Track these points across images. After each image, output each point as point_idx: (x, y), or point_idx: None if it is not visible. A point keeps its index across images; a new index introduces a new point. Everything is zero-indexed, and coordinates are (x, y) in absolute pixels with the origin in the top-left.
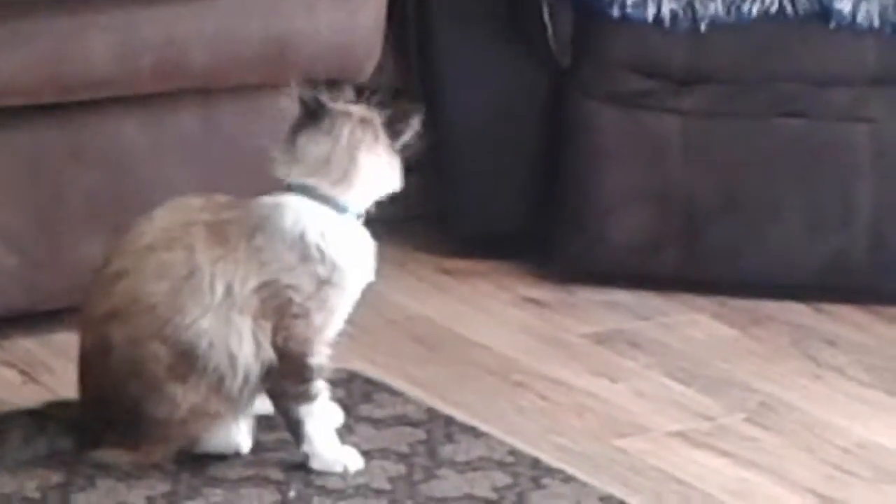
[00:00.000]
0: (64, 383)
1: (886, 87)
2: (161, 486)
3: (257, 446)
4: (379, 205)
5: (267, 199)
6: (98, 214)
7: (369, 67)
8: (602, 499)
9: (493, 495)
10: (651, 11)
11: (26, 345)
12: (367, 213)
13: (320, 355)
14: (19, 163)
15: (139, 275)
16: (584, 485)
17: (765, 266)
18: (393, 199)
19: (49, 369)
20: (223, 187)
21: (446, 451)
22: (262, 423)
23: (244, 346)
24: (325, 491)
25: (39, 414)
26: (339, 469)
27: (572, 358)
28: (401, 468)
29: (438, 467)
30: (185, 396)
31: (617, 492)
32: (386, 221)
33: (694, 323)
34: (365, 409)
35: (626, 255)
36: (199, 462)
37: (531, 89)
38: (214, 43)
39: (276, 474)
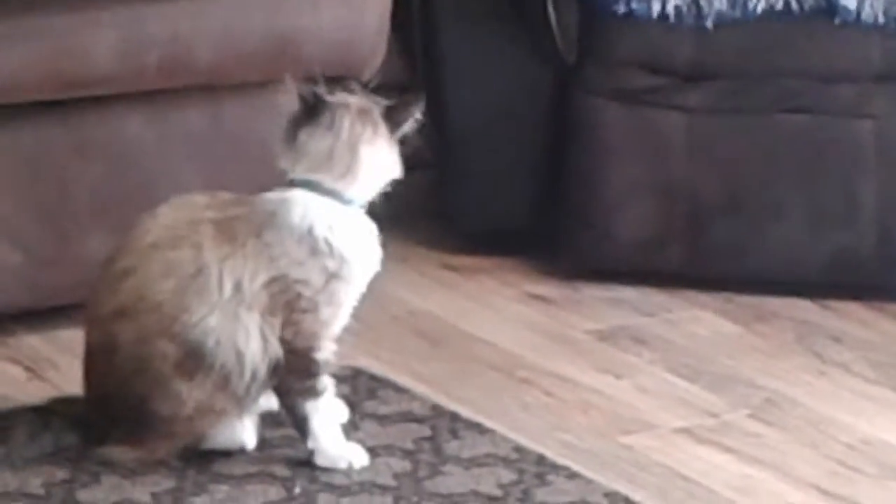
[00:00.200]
0: (69, 380)
1: (891, 83)
2: (166, 483)
3: (262, 443)
4: (383, 201)
5: (272, 195)
6: (103, 211)
7: (374, 65)
8: (607, 495)
9: (497, 492)
10: (656, 8)
11: (31, 341)
12: (372, 209)
13: (326, 350)
14: (24, 159)
15: (145, 273)
16: (590, 481)
17: (769, 262)
18: (397, 195)
19: (54, 366)
20: (228, 183)
21: (451, 447)
22: (268, 419)
23: (251, 343)
24: (330, 487)
25: (44, 410)
26: (344, 465)
27: (577, 354)
28: (406, 464)
29: (443, 464)
30: (191, 394)
31: (622, 488)
32: (390, 218)
33: (698, 319)
34: (370, 406)
35: (631, 252)
36: (204, 458)
37: (536, 86)
38: (219, 40)
39: (282, 471)
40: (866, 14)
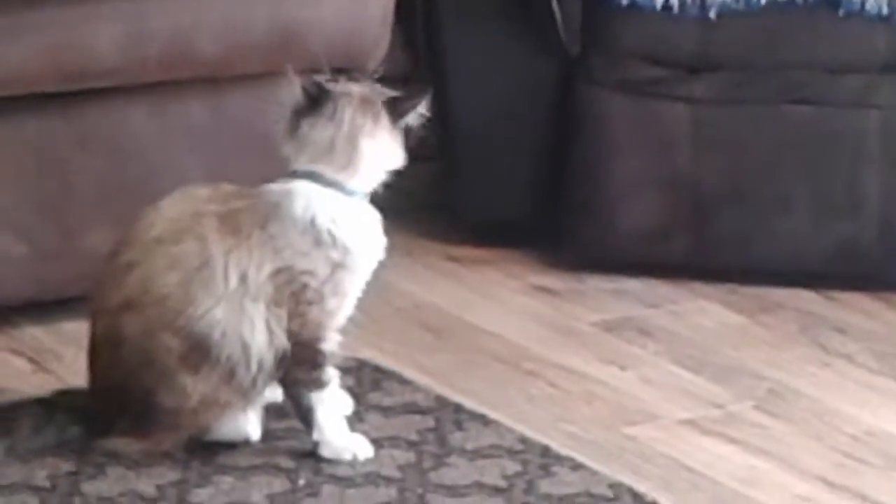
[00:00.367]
0: (73, 372)
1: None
2: (171, 475)
3: (267, 434)
4: (388, 193)
5: (275, 187)
6: (105, 203)
7: (377, 57)
8: (611, 486)
9: (502, 483)
10: None
11: (35, 333)
12: (376, 201)
13: (331, 341)
14: (27, 152)
15: (150, 266)
16: (594, 472)
17: (774, 253)
18: (401, 187)
19: (58, 358)
20: (231, 175)
21: (456, 438)
22: (272, 411)
23: (257, 335)
24: (334, 479)
25: (49, 402)
26: (348, 457)
27: (582, 346)
28: (410, 456)
29: (448, 455)
30: (196, 386)
31: (626, 479)
32: (395, 210)
33: (703, 311)
34: (374, 398)
35: (636, 243)
36: (209, 450)
37: (540, 78)
38: (222, 32)
39: (286, 462)
40: (870, 5)
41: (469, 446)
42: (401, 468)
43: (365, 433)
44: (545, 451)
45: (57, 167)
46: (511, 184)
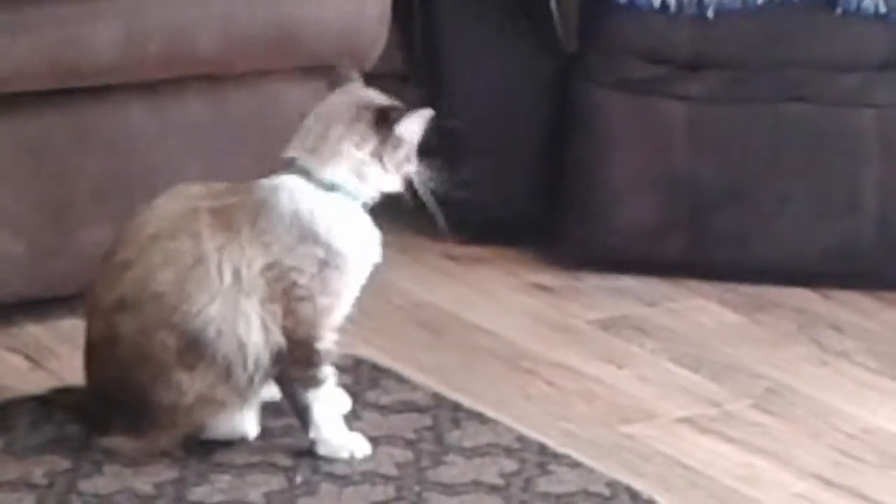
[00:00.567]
0: (70, 369)
1: (893, 72)
2: (168, 473)
3: (264, 432)
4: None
5: (265, 182)
6: (104, 201)
7: (375, 54)
8: (609, 484)
9: (500, 481)
10: None
11: (33, 331)
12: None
13: (327, 340)
14: (26, 150)
15: (146, 264)
16: (591, 470)
17: (771, 252)
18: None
19: (56, 355)
20: (230, 173)
21: (453, 437)
22: (269, 409)
23: (252, 333)
24: (332, 477)
25: (46, 400)
26: (345, 455)
27: (579, 344)
28: (408, 454)
29: (445, 453)
30: (193, 384)
31: (624, 477)
32: (392, 208)
33: (701, 309)
34: (372, 396)
35: (633, 241)
36: (206, 448)
37: (537, 76)
38: (221, 29)
39: (284, 460)
40: (867, 3)
41: (466, 444)
42: (398, 466)
43: (362, 431)
44: (542, 449)
45: (55, 165)
46: (508, 182)
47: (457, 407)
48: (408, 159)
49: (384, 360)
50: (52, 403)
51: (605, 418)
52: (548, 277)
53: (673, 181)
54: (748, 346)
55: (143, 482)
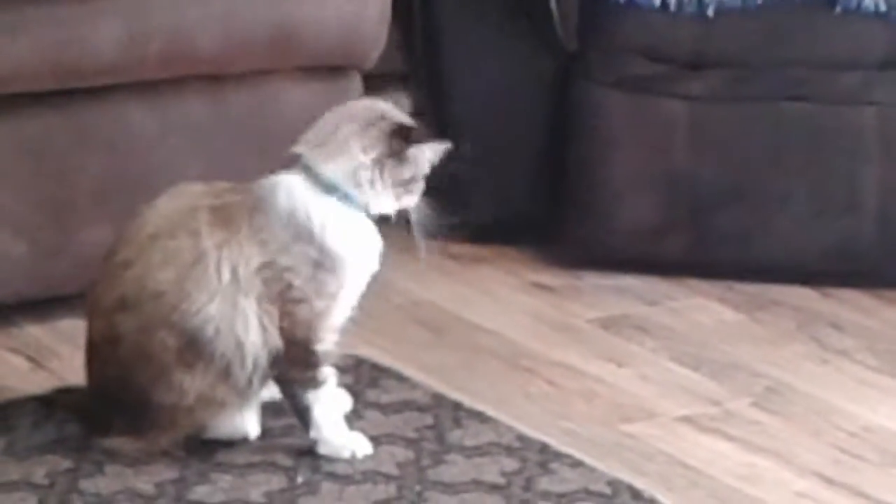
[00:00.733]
0: (71, 370)
1: (894, 71)
2: (169, 472)
3: (265, 432)
4: None
5: (266, 180)
6: (105, 201)
7: (375, 55)
8: (609, 483)
9: (500, 480)
10: None
11: (34, 331)
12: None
13: (326, 342)
14: (27, 150)
15: (146, 263)
16: (592, 469)
17: (771, 250)
18: None
19: (57, 356)
20: (230, 173)
21: (454, 436)
22: (270, 408)
23: (251, 333)
24: (333, 476)
25: (47, 400)
26: (346, 454)
27: (580, 343)
28: (409, 453)
29: (446, 452)
30: (193, 384)
31: (624, 476)
32: None
33: (701, 308)
34: (372, 395)
35: (634, 240)
36: (207, 448)
37: (537, 75)
38: (222, 29)
39: (285, 460)
40: (867, 2)
41: (467, 443)
42: (399, 465)
43: (363, 431)
44: (543, 448)
45: (55, 165)
46: (509, 181)
47: (457, 406)
48: (409, 186)
49: (385, 360)
50: (53, 404)
51: (605, 417)
52: (548, 276)
53: (673, 180)
54: (748, 344)
55: (145, 482)
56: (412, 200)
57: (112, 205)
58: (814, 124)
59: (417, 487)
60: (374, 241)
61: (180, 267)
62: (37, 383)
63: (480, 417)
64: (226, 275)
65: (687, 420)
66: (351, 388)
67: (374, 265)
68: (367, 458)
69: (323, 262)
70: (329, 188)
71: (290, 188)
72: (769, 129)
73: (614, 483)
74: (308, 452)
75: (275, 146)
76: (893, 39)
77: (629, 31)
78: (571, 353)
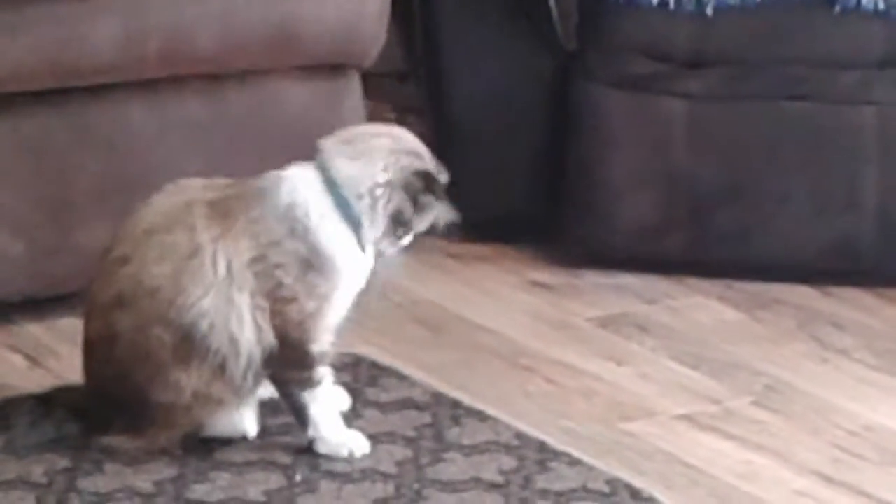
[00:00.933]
0: (70, 368)
1: (893, 69)
2: (168, 471)
3: (264, 430)
4: None
5: (272, 172)
6: (103, 200)
7: (374, 53)
8: (608, 482)
9: (499, 478)
10: None
11: (32, 330)
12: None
13: (322, 342)
14: (25, 149)
15: (142, 259)
16: (591, 468)
17: (771, 249)
18: None
19: (55, 354)
20: (229, 172)
21: (453, 434)
22: (269, 407)
23: (245, 329)
24: (331, 475)
25: (46, 399)
26: (345, 453)
27: (579, 341)
28: (407, 452)
29: (445, 451)
30: (189, 381)
31: (623, 475)
32: None
33: (700, 306)
34: (371, 393)
35: (633, 239)
36: (205, 446)
37: (537, 74)
38: (221, 28)
39: (283, 458)
40: (866, 1)
41: (466, 442)
42: (398, 464)
43: (362, 429)
44: (542, 446)
45: (55, 164)
46: (508, 180)
47: (456, 404)
48: (400, 229)
49: (383, 358)
50: (51, 402)
51: (604, 416)
52: (548, 275)
53: (673, 178)
54: (748, 343)
55: (143, 480)
56: (393, 247)
57: (111, 204)
58: (813, 123)
59: (416, 486)
60: (366, 260)
61: (176, 261)
62: (35, 382)
63: (479, 416)
64: (221, 269)
65: (686, 418)
66: (350, 387)
67: (360, 282)
68: (365, 456)
69: (313, 263)
70: (332, 185)
71: (296, 182)
72: (769, 127)
73: (613, 481)
74: (306, 451)
75: (274, 145)
76: (893, 38)
77: (628, 30)
78: (571, 351)
